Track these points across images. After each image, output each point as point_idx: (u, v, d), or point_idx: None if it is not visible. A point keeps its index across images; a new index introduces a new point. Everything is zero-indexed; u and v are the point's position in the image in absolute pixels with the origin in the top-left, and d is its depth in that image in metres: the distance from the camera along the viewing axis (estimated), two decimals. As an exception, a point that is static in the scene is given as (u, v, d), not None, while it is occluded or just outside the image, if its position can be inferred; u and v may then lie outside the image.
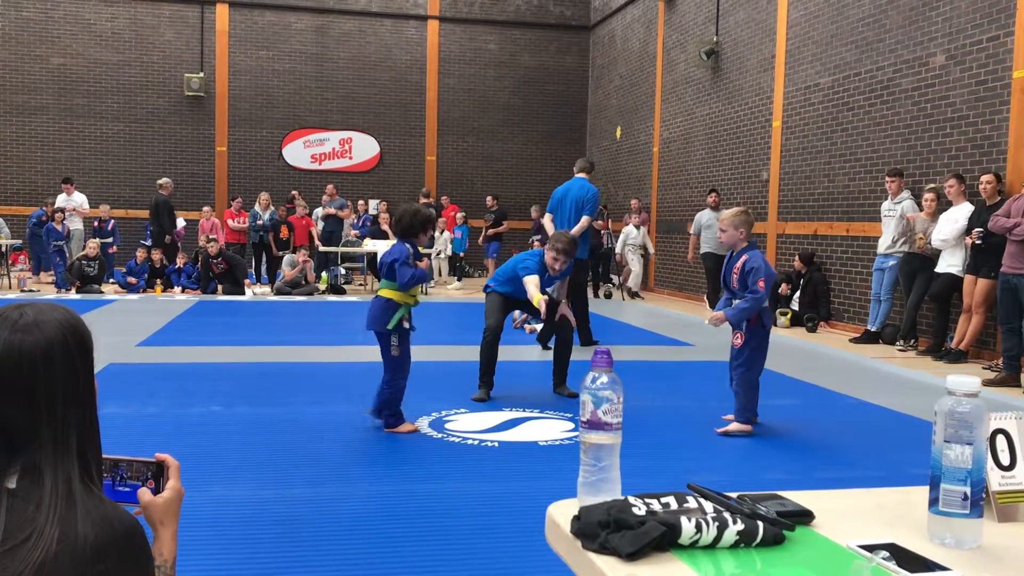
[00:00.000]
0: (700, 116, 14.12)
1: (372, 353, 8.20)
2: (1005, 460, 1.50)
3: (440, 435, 4.97)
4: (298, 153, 18.39)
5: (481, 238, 16.41)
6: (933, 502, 1.36)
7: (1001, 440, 1.50)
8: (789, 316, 10.47)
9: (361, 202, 17.25)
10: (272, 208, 15.15)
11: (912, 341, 8.67)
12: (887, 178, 9.07)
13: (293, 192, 16.43)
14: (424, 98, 18.78)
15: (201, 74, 17.60)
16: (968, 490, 1.33)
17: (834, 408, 6.04)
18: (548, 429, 5.18)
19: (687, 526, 1.29)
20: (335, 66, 18.37)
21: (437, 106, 18.84)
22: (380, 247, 14.24)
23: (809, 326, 10.06)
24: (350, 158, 18.60)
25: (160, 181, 14.76)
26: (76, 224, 14.69)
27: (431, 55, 18.74)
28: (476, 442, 4.84)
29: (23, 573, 1.11)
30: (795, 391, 6.52)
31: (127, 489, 1.39)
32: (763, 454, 4.75)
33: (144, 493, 1.38)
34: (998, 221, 6.79)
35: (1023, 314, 6.71)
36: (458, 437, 4.93)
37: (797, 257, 10.72)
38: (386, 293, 5.02)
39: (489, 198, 16.59)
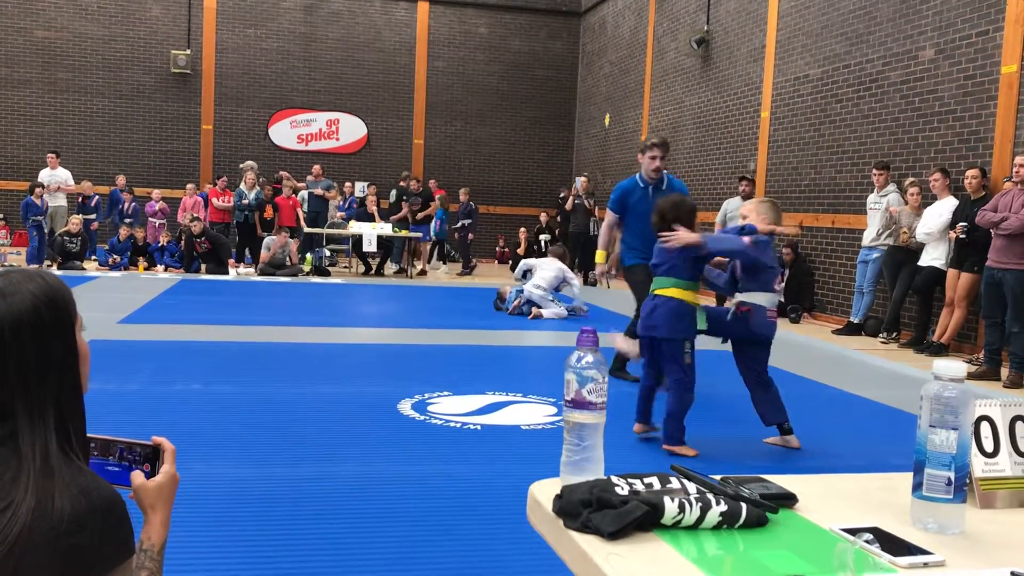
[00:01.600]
0: (689, 105, 14.11)
1: (354, 335, 8.21)
2: (989, 447, 1.50)
3: (423, 417, 4.96)
4: (284, 133, 18.26)
5: (410, 219, 15.45)
6: (917, 487, 1.36)
7: (985, 427, 1.50)
8: (773, 306, 10.50)
9: (347, 184, 17.16)
10: (258, 188, 15.04)
11: (894, 334, 8.72)
12: (874, 171, 9.09)
13: (282, 172, 16.30)
14: (413, 80, 18.67)
15: (188, 51, 17.42)
16: (952, 475, 1.32)
17: (815, 398, 6.07)
18: (531, 413, 5.17)
19: (670, 506, 1.28)
20: (323, 46, 18.23)
21: (426, 89, 18.74)
22: (366, 230, 14.18)
23: (792, 317, 10.09)
24: (337, 139, 18.48)
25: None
26: (59, 201, 14.41)
27: (420, 37, 18.62)
28: (459, 425, 4.83)
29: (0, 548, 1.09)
30: (777, 381, 6.52)
31: (118, 469, 1.36)
32: (745, 442, 4.76)
33: (137, 476, 1.35)
34: (986, 215, 6.81)
35: (1006, 309, 6.75)
36: (441, 419, 4.92)
37: (790, 248, 10.69)
38: (676, 293, 4.32)
39: (413, 181, 15.89)
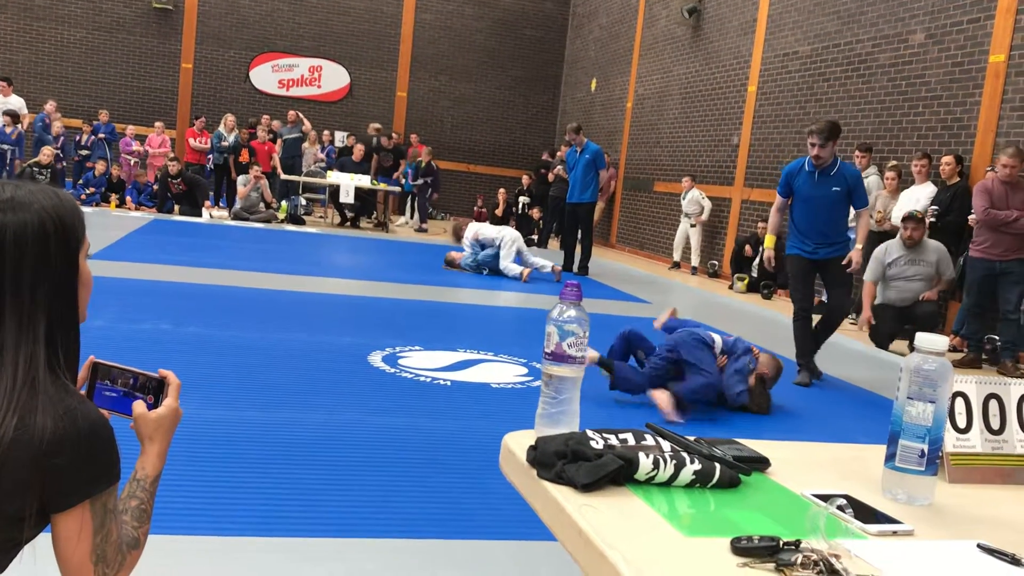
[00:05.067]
0: (677, 75, 14.03)
1: (326, 285, 8.15)
2: (961, 423, 1.51)
3: (393, 370, 4.95)
4: (266, 77, 17.94)
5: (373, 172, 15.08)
6: (890, 457, 1.36)
7: (960, 403, 1.51)
8: (746, 282, 10.57)
9: (326, 132, 16.94)
10: (236, 131, 14.81)
11: (864, 315, 8.79)
12: (856, 152, 9.10)
13: (264, 116, 15.95)
14: (399, 32, 18.39)
15: (170, -14, 17.02)
16: (926, 447, 1.33)
17: (783, 373, 6.11)
18: (502, 372, 5.18)
19: (645, 462, 1.27)
20: (310, -10, 17.89)
21: (412, 41, 18.46)
22: (343, 180, 14.02)
23: (765, 293, 10.16)
24: (318, 87, 18.20)
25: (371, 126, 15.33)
26: None
27: (410, -12, 18.33)
28: (429, 379, 4.82)
29: None
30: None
31: (117, 396, 1.35)
32: (710, 413, 4.79)
33: (138, 405, 1.33)
34: (994, 215, 6.64)
35: (995, 299, 6.76)
36: (411, 373, 4.91)
37: (764, 223, 10.73)
38: None
39: (384, 137, 15.44)
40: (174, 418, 1.35)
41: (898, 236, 7.37)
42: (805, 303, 5.82)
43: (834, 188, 5.54)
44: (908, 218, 7.17)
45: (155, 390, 1.36)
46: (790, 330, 7.98)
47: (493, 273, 9.89)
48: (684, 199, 12.42)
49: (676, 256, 12.68)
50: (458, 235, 10.56)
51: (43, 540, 1.19)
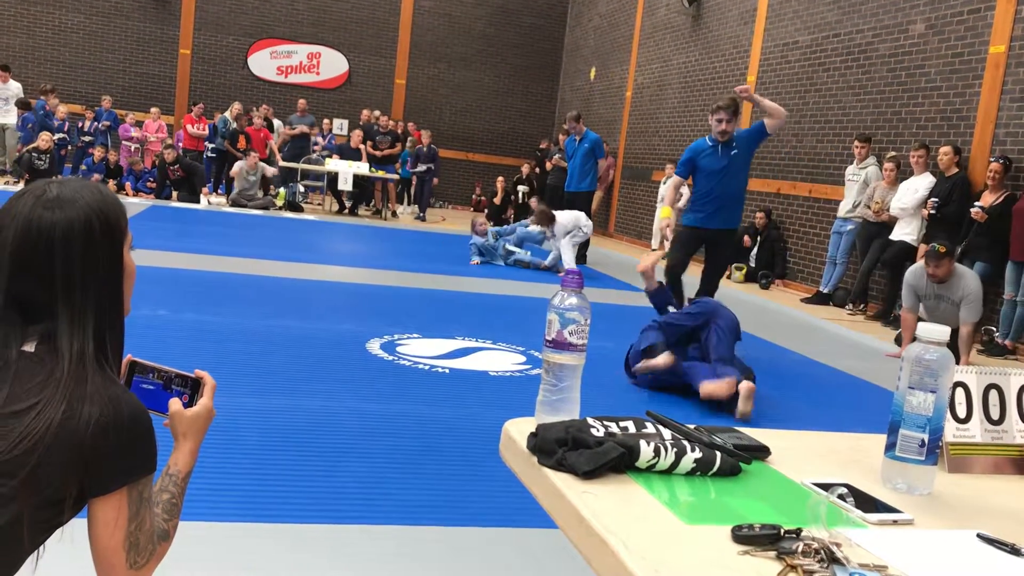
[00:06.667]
0: (676, 64, 14.00)
1: (324, 272, 8.14)
2: (961, 413, 1.51)
3: (392, 357, 4.95)
4: (264, 64, 17.87)
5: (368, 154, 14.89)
6: (890, 447, 1.37)
7: (960, 393, 1.51)
8: (744, 271, 10.57)
9: (326, 120, 16.90)
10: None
11: (862, 306, 8.81)
12: (855, 143, 9.10)
13: (263, 105, 15.91)
14: (398, 18, 18.31)
15: (168, -29, 16.93)
16: (926, 437, 1.33)
17: (779, 363, 6.13)
18: (500, 360, 5.18)
19: (645, 449, 1.28)
20: (309, -24, 17.80)
21: (411, 28, 18.39)
22: (342, 168, 13.99)
23: (763, 283, 10.17)
24: (317, 73, 18.13)
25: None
26: (10, 119, 13.70)
27: (409, -25, 18.24)
28: (427, 367, 4.82)
29: (24, 441, 1.12)
30: (742, 344, 6.59)
31: (153, 388, 1.40)
32: (706, 401, 4.79)
33: (175, 403, 1.38)
34: None
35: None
36: (409, 361, 4.91)
37: (763, 213, 10.71)
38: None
39: (384, 117, 15.50)
40: (208, 417, 1.40)
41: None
42: (674, 262, 6.29)
43: (733, 152, 5.99)
44: (928, 255, 5.92)
45: (190, 389, 1.41)
46: (788, 319, 8.00)
47: (518, 264, 9.89)
48: (663, 184, 12.52)
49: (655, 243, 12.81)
50: (548, 218, 9.56)
51: (77, 524, 1.22)
